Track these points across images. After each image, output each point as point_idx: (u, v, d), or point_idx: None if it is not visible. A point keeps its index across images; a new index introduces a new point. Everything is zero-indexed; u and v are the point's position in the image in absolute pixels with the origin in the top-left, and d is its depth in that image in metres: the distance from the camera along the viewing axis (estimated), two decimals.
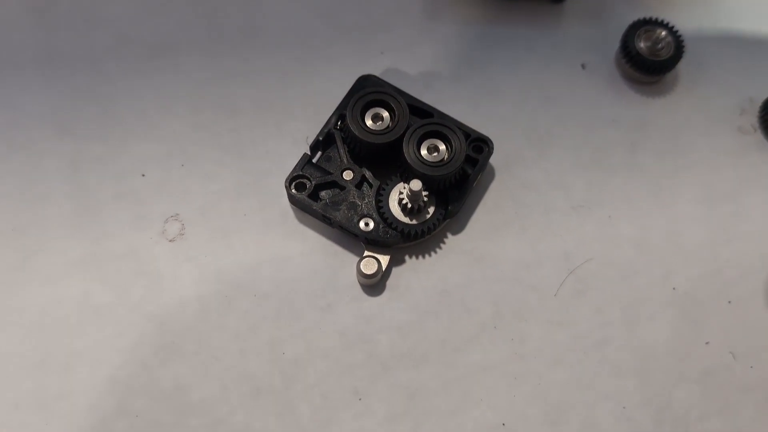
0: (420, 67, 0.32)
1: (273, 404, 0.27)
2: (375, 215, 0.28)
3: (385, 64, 0.32)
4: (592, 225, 0.30)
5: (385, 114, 0.29)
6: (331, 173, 0.29)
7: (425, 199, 0.27)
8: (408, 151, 0.27)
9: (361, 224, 0.28)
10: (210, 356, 0.28)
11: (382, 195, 0.28)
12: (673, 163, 0.31)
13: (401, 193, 0.28)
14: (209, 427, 0.27)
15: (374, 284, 0.28)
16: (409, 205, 0.27)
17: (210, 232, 0.29)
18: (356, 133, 0.28)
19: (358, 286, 0.29)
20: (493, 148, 0.29)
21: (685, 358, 0.28)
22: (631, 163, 0.31)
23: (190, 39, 0.33)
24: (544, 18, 0.33)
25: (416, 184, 0.27)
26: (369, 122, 0.28)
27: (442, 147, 0.28)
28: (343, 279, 0.29)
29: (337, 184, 0.29)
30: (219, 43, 0.33)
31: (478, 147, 0.29)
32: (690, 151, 0.32)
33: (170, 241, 0.29)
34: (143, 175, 0.30)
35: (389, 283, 0.29)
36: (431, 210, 0.28)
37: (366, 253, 0.28)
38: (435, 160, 0.28)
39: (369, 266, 0.28)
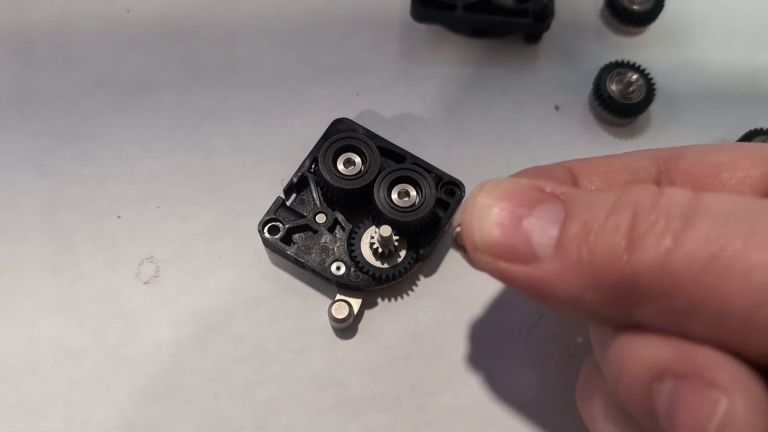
0: (396, 109, 0.33)
1: None
2: (347, 259, 0.28)
3: (361, 105, 0.33)
4: None
5: (357, 159, 0.29)
6: (304, 216, 0.29)
7: (396, 243, 0.28)
8: (379, 197, 0.28)
9: (333, 268, 0.28)
10: (184, 399, 0.28)
11: (354, 239, 0.29)
12: None
13: (372, 237, 0.28)
14: None
15: (346, 328, 0.29)
16: (380, 250, 0.28)
17: (184, 274, 0.30)
18: (328, 178, 0.28)
19: (330, 329, 0.29)
20: (465, 191, 0.29)
21: None
22: None
23: (167, 78, 0.33)
24: (518, 59, 0.34)
25: (386, 230, 0.27)
26: (341, 167, 0.29)
27: (413, 192, 0.28)
28: (315, 321, 0.29)
29: (309, 228, 0.29)
30: (196, 83, 0.33)
31: (450, 190, 0.29)
32: None
33: (145, 283, 0.29)
34: (119, 217, 0.30)
35: (361, 326, 0.29)
36: (402, 254, 0.28)
37: (338, 296, 0.28)
38: (406, 206, 0.28)
39: (340, 311, 0.28)
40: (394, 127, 0.32)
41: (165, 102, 0.32)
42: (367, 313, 0.29)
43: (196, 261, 0.30)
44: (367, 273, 0.28)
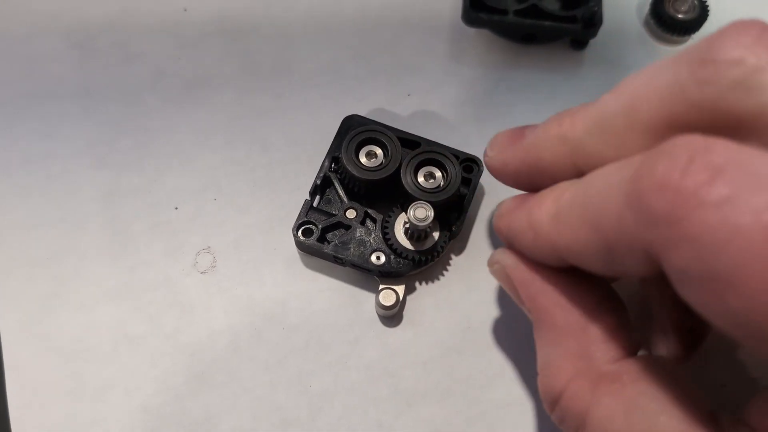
0: (446, 110, 0.33)
1: None
2: (384, 248, 0.29)
3: (413, 105, 0.33)
4: None
5: (378, 150, 0.30)
6: (334, 214, 0.30)
7: (431, 224, 0.28)
8: (407, 182, 0.28)
9: (373, 258, 0.29)
10: (240, 387, 0.28)
11: (388, 227, 0.29)
12: None
13: (405, 223, 0.29)
14: None
15: (393, 315, 0.29)
16: (415, 234, 0.28)
17: (241, 265, 0.30)
18: (354, 172, 0.29)
19: (378, 321, 0.29)
20: (483, 167, 0.30)
21: None
22: None
23: (224, 75, 0.34)
24: (565, 65, 0.35)
25: (421, 212, 0.28)
26: (364, 160, 0.29)
27: (438, 173, 0.29)
28: (363, 314, 0.30)
29: (342, 224, 0.29)
30: (252, 80, 0.34)
31: (468, 167, 0.30)
32: None
33: (202, 273, 0.30)
34: (176, 208, 0.31)
35: (406, 312, 0.30)
36: (436, 234, 0.29)
37: (381, 285, 0.29)
38: (433, 187, 0.29)
39: (388, 298, 0.28)
40: (445, 126, 0.33)
41: (222, 98, 0.33)
42: (409, 299, 0.30)
43: (252, 252, 0.30)
44: (406, 258, 0.29)
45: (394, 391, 0.28)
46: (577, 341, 0.21)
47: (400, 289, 0.29)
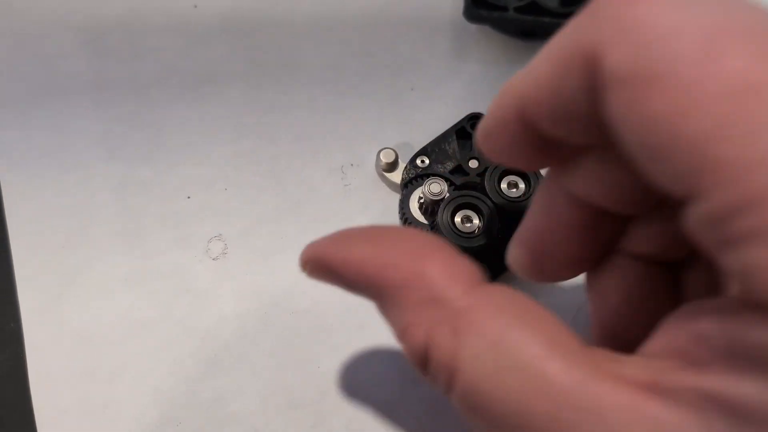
0: (448, 105, 0.34)
1: (307, 416, 0.29)
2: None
3: (415, 100, 0.34)
4: None
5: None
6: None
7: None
8: (442, 221, 0.29)
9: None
10: (249, 370, 0.29)
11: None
12: None
13: (421, 198, 0.30)
14: None
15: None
16: (430, 208, 0.30)
17: (251, 253, 0.31)
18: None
19: None
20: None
21: None
22: None
23: (233, 71, 0.35)
24: None
25: (436, 187, 0.29)
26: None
27: (476, 219, 0.30)
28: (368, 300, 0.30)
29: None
30: (260, 76, 0.35)
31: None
32: None
33: (213, 259, 0.31)
34: (188, 197, 0.32)
35: None
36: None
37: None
38: (469, 231, 0.29)
39: (387, 155, 0.31)
40: (451, 120, 0.34)
41: (230, 93, 0.34)
42: None
43: (261, 240, 0.31)
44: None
45: (400, 370, 0.29)
46: (420, 288, 0.19)
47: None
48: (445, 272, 0.19)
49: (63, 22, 0.36)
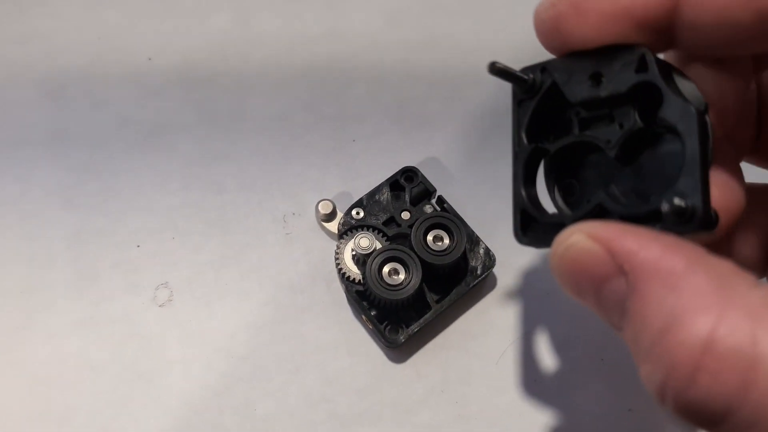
0: (387, 156, 0.36)
1: None
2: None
3: (356, 150, 0.36)
4: (532, 302, 0.34)
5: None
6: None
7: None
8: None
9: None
10: (191, 411, 0.31)
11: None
12: None
13: (353, 250, 0.32)
14: None
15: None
16: (362, 259, 0.32)
17: (195, 299, 0.33)
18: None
19: (317, 352, 0.32)
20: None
21: (610, 423, 0.32)
22: None
23: (184, 122, 0.37)
24: None
25: (365, 241, 0.31)
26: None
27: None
28: (305, 345, 0.33)
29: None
30: (209, 127, 0.37)
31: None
32: None
33: (160, 306, 0.33)
34: (138, 246, 0.34)
35: (345, 343, 0.33)
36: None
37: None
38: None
39: (325, 206, 0.33)
40: (389, 171, 0.35)
41: (181, 144, 0.36)
42: (348, 330, 0.33)
43: (205, 287, 0.33)
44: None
45: (331, 415, 0.31)
46: (709, 274, 0.17)
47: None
48: (733, 264, 0.18)
49: (23, 74, 0.37)
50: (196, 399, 0.32)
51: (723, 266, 0.17)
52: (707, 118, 0.20)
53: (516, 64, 0.23)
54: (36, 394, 0.32)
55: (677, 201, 0.19)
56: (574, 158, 0.23)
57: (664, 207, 0.19)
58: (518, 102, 0.23)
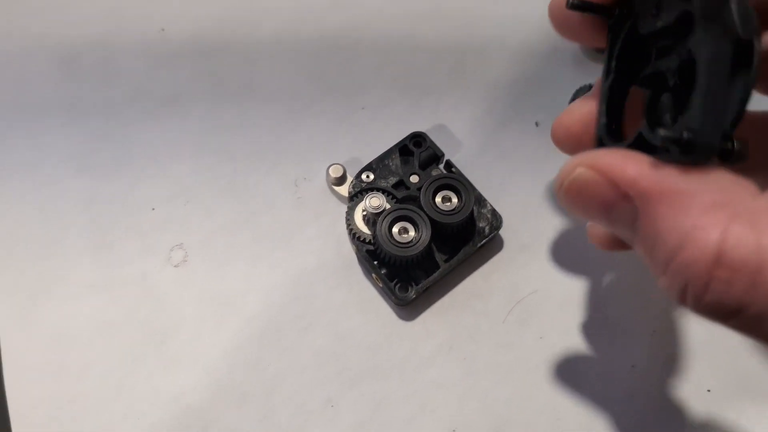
0: (395, 123, 0.37)
1: (256, 411, 0.31)
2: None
3: (364, 119, 0.37)
4: (537, 263, 0.35)
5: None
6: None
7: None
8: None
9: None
10: (202, 369, 0.32)
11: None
12: None
13: (364, 210, 0.33)
14: (202, 429, 0.31)
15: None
16: (372, 219, 0.32)
17: (209, 261, 0.34)
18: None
19: (328, 311, 0.33)
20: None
21: (613, 379, 0.33)
22: None
23: (195, 92, 0.38)
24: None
25: (375, 200, 0.32)
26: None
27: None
28: (315, 303, 0.33)
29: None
30: (221, 97, 0.38)
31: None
32: None
33: (175, 267, 0.34)
34: (153, 209, 0.35)
35: (357, 302, 0.34)
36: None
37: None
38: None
39: (336, 170, 0.34)
40: (397, 137, 0.36)
41: (192, 113, 0.37)
42: (357, 289, 0.34)
43: (218, 249, 0.34)
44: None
45: (341, 371, 0.32)
46: (711, 190, 0.18)
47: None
48: (734, 177, 0.19)
49: (38, 45, 0.38)
50: (209, 357, 0.32)
51: (724, 179, 0.18)
52: (754, 46, 0.18)
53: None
54: (53, 354, 0.32)
55: (662, 132, 0.19)
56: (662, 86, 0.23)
57: (656, 138, 0.19)
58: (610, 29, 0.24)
